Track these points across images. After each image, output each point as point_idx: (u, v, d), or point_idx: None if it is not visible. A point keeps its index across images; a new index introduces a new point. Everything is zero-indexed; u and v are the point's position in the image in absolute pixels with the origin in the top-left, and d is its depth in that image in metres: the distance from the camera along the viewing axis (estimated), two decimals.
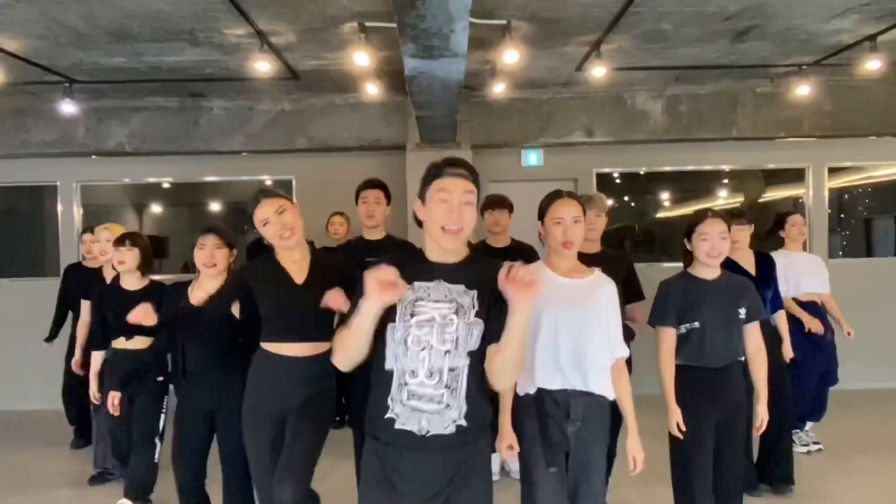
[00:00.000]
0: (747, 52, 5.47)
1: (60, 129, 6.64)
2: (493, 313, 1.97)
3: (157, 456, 3.70)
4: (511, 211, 4.36)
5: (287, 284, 2.78)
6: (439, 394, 1.97)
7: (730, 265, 3.91)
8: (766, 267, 4.08)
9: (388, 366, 2.00)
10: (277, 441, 2.75)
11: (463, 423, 1.98)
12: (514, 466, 4.34)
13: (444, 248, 2.03)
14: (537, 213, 2.73)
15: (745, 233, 4.04)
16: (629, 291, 3.63)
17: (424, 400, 1.97)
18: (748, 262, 4.03)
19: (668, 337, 3.03)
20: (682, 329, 3.03)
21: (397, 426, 1.98)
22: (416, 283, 2.00)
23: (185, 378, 3.20)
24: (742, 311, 3.02)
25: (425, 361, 1.96)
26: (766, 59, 5.73)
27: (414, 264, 2.04)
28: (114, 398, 3.44)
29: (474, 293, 2.00)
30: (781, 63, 5.85)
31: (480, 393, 2.02)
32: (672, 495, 3.12)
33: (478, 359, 1.99)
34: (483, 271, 2.01)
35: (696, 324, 2.98)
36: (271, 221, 2.74)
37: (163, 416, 3.71)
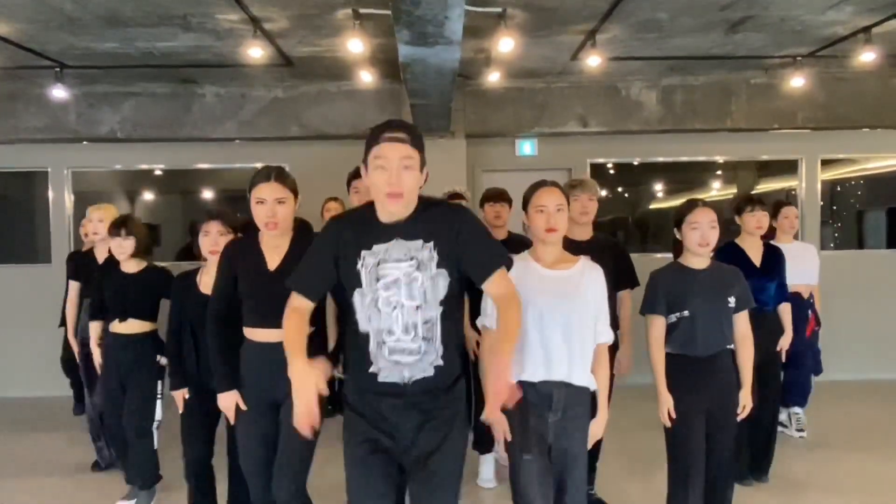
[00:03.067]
0: (742, 42, 5.47)
1: (51, 115, 6.58)
2: (457, 260, 2.09)
3: (155, 444, 3.71)
4: (511, 205, 4.36)
5: (261, 270, 2.71)
6: (417, 346, 2.07)
7: (734, 252, 3.94)
8: (773, 259, 4.04)
9: (362, 328, 2.09)
10: (269, 433, 2.71)
11: (440, 362, 2.10)
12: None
13: (390, 211, 2.06)
14: (522, 203, 2.74)
15: (766, 219, 4.03)
16: (620, 278, 3.63)
17: (405, 354, 2.07)
18: (755, 250, 4.01)
19: (658, 325, 3.05)
20: (672, 318, 3.05)
21: (381, 379, 2.08)
22: (375, 247, 2.06)
23: (195, 359, 3.24)
24: (731, 300, 3.04)
25: (399, 319, 2.05)
26: (761, 51, 5.73)
27: (370, 227, 2.09)
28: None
29: (431, 244, 2.07)
30: (776, 54, 5.85)
31: (454, 336, 2.15)
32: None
33: (449, 306, 2.09)
34: (436, 223, 2.09)
35: (686, 312, 3.00)
36: (266, 204, 2.63)
37: (159, 402, 3.69)
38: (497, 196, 4.34)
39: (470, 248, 2.09)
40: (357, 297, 2.07)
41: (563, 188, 2.70)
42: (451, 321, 2.12)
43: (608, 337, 2.66)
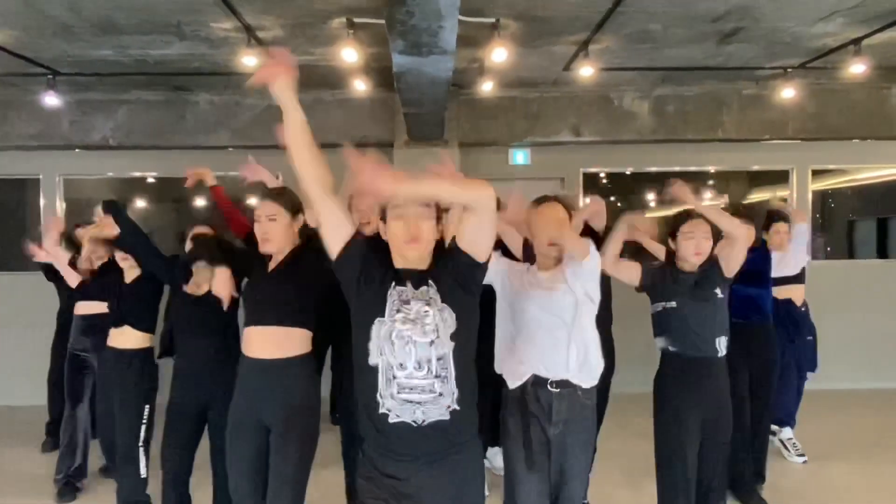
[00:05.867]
0: (734, 53, 5.51)
1: (44, 122, 6.56)
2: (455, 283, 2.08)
3: (143, 469, 3.60)
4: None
5: (261, 272, 2.84)
6: (430, 384, 2.02)
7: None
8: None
9: (372, 361, 2.03)
10: (258, 455, 2.71)
11: (456, 406, 2.03)
12: (498, 463, 4.35)
13: (408, 258, 2.09)
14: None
15: (752, 232, 4.04)
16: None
17: (416, 391, 2.01)
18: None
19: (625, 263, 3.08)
20: (658, 307, 3.08)
21: (392, 420, 2.01)
22: (398, 287, 2.07)
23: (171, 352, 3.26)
24: (718, 291, 3.07)
25: (412, 354, 2.01)
26: (752, 62, 5.77)
27: (387, 268, 2.11)
28: None
29: (432, 283, 2.08)
30: (767, 65, 5.89)
31: (469, 376, 2.09)
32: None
33: (460, 342, 2.05)
34: (440, 264, 2.11)
35: (673, 304, 3.03)
36: (261, 222, 2.76)
37: (144, 426, 3.60)
38: None
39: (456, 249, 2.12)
40: (375, 327, 2.04)
41: (565, 202, 2.77)
42: (465, 362, 2.07)
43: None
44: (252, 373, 2.73)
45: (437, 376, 2.02)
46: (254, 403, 2.70)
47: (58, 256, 4.01)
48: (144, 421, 3.62)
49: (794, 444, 4.89)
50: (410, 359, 2.01)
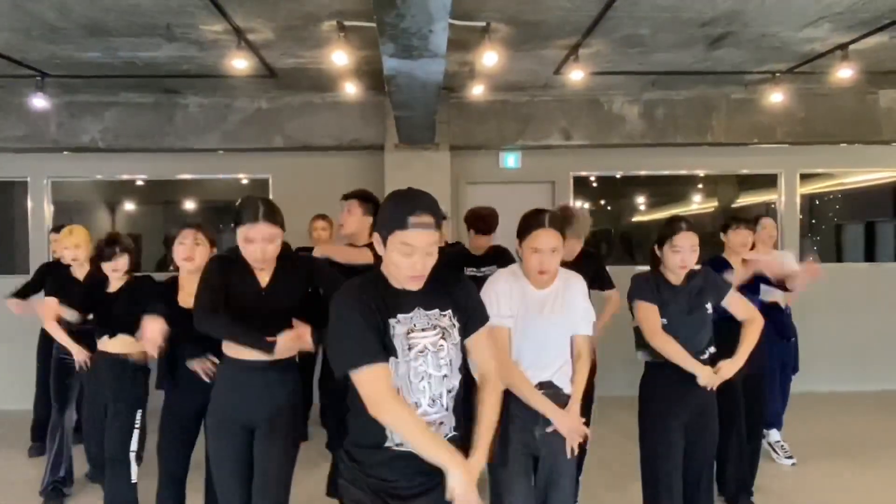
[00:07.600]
0: (722, 58, 5.54)
1: (32, 124, 6.52)
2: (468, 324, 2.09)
3: (134, 475, 3.57)
4: (495, 230, 4.37)
5: (252, 289, 2.74)
6: (439, 417, 2.01)
7: (723, 265, 3.97)
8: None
9: None
10: (243, 455, 2.71)
11: (455, 433, 2.05)
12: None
13: (407, 288, 2.02)
14: (517, 230, 2.71)
15: (751, 237, 4.06)
16: (602, 283, 3.90)
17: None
18: (738, 268, 3.97)
19: (651, 312, 3.01)
20: None
21: (398, 450, 1.98)
22: (400, 315, 1.99)
23: (174, 375, 3.20)
24: (709, 306, 3.07)
25: (426, 391, 1.99)
26: (741, 66, 5.81)
27: (387, 297, 2.01)
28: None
29: (449, 313, 2.06)
30: (755, 70, 5.93)
31: (460, 401, 2.09)
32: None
33: (463, 372, 2.06)
34: (451, 290, 2.09)
35: (664, 321, 3.02)
36: (256, 244, 2.65)
37: (136, 431, 3.58)
38: (486, 228, 4.34)
39: (468, 309, 2.13)
40: (391, 367, 1.96)
41: (561, 224, 2.68)
42: (461, 390, 2.08)
43: (587, 330, 2.74)
44: (239, 374, 2.71)
45: (446, 409, 2.02)
46: (239, 404, 2.70)
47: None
48: (137, 426, 3.60)
49: (781, 446, 4.91)
50: (425, 396, 1.99)
